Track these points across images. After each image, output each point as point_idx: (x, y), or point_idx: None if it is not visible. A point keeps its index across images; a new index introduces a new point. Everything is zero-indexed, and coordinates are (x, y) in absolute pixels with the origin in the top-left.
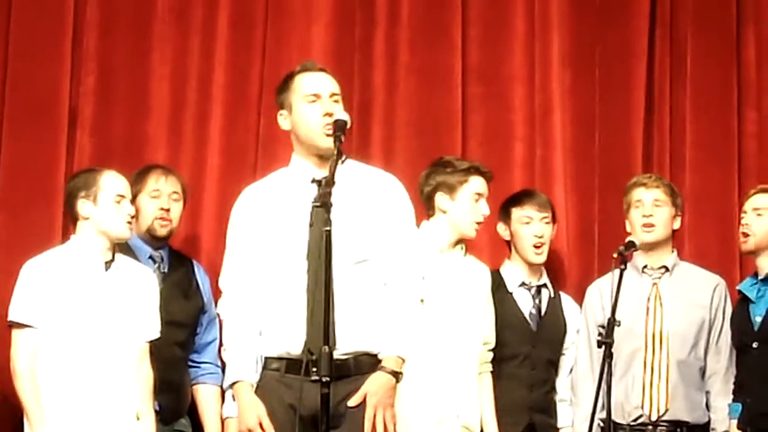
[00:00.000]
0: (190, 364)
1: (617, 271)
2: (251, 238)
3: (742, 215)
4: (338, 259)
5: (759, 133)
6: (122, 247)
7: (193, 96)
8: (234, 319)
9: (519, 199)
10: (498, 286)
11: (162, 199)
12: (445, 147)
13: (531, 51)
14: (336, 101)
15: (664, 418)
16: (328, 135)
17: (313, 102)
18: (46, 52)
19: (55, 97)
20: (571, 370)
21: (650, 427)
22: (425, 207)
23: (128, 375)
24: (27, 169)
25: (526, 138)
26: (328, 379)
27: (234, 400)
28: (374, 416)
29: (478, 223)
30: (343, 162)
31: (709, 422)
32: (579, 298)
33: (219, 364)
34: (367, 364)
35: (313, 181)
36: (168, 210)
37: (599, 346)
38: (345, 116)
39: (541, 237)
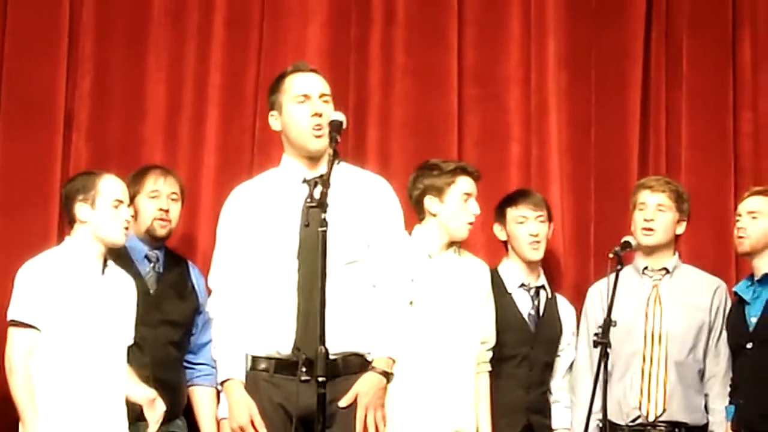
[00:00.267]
0: (186, 365)
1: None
2: (241, 238)
3: (737, 218)
4: (328, 259)
5: (755, 134)
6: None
7: (189, 97)
8: (224, 317)
9: (514, 199)
10: (496, 286)
11: (161, 199)
12: (441, 148)
13: (527, 52)
14: (326, 101)
15: (661, 419)
16: (317, 136)
17: (302, 102)
18: (42, 54)
19: (51, 99)
20: (566, 372)
21: (648, 427)
22: (415, 211)
23: (122, 377)
24: (23, 170)
25: (522, 139)
26: (324, 379)
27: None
28: (365, 416)
29: (469, 223)
30: (338, 162)
31: (707, 424)
32: (575, 299)
33: (215, 365)
34: (356, 364)
35: (304, 181)
36: (167, 210)
37: (595, 347)
38: (341, 117)
39: (536, 235)
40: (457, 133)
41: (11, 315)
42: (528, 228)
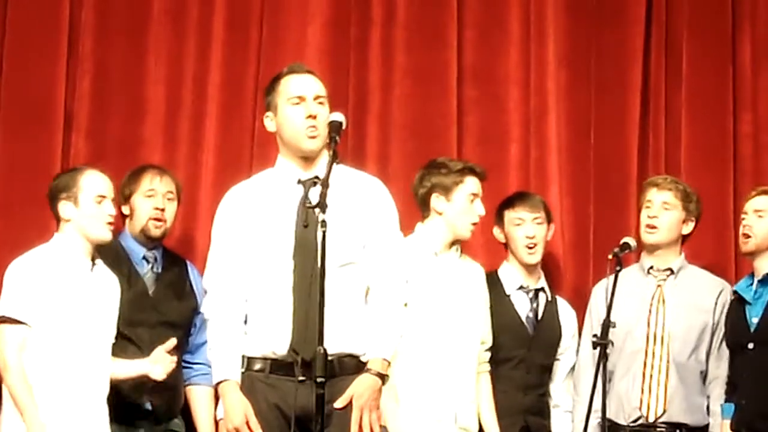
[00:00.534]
0: (184, 365)
1: (624, 270)
2: (236, 238)
3: (743, 216)
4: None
5: (754, 134)
6: (115, 247)
7: (189, 97)
8: (219, 318)
9: (511, 201)
10: (495, 288)
11: (157, 198)
12: (441, 148)
13: (526, 53)
14: (321, 103)
15: (661, 420)
16: (310, 137)
17: (297, 104)
18: (42, 53)
19: (51, 99)
20: (566, 376)
21: (649, 428)
22: (420, 209)
23: (106, 375)
24: (22, 170)
25: (521, 140)
26: (323, 379)
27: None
28: (360, 418)
29: (473, 224)
30: (338, 163)
31: (708, 426)
32: (574, 300)
33: None
34: (351, 365)
35: (299, 182)
36: (163, 210)
37: (594, 347)
38: (340, 117)
39: (533, 238)
40: (456, 134)
41: (1, 311)
42: (525, 230)
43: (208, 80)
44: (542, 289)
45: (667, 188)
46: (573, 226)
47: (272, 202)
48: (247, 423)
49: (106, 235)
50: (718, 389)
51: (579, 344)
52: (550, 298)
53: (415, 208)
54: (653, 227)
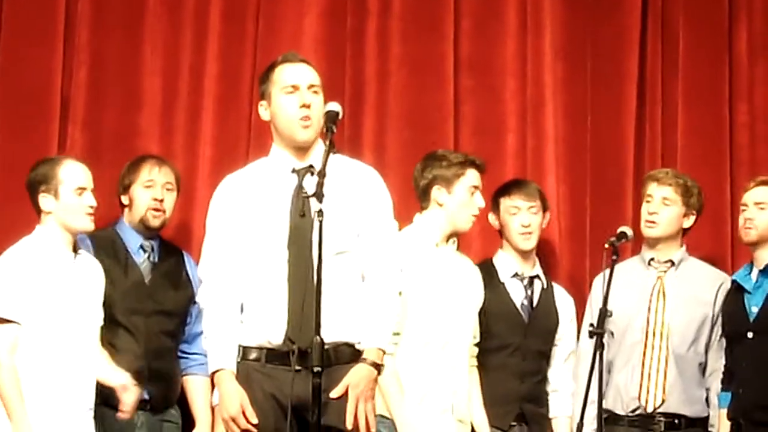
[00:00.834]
0: (180, 354)
1: (625, 262)
2: (231, 227)
3: (743, 208)
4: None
5: (751, 124)
6: (112, 237)
7: (185, 88)
8: (214, 307)
9: (507, 189)
10: (490, 276)
11: (155, 189)
12: (437, 138)
13: (523, 43)
14: (315, 92)
15: (660, 411)
16: (304, 127)
17: (291, 93)
18: (38, 44)
19: (47, 89)
20: (564, 361)
21: (647, 419)
22: (420, 200)
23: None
24: (19, 160)
25: (518, 130)
26: (320, 369)
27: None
28: (356, 408)
29: (474, 216)
30: (335, 152)
31: (707, 417)
32: (570, 289)
33: None
34: (346, 354)
35: (294, 171)
36: (161, 200)
37: (590, 337)
38: (337, 107)
39: (527, 226)
40: (453, 124)
41: None
42: (520, 219)
43: (205, 71)
44: (537, 276)
45: (667, 183)
46: (569, 214)
47: (266, 192)
48: (243, 412)
49: (88, 226)
50: (717, 381)
51: (578, 334)
52: (545, 285)
53: (410, 197)
54: (653, 222)
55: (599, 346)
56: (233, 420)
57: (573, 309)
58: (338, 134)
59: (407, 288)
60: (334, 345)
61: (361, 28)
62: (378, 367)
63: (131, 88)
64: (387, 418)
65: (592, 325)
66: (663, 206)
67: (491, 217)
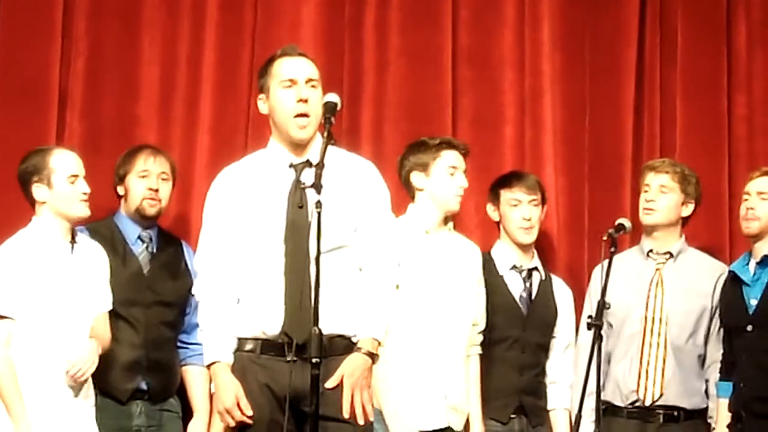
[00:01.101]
0: (179, 344)
1: (624, 253)
2: (228, 219)
3: (745, 197)
4: (315, 243)
5: (749, 117)
6: (110, 227)
7: (183, 77)
8: (210, 299)
9: (508, 181)
10: (488, 268)
11: (150, 179)
12: (435, 129)
13: (521, 34)
14: (313, 87)
15: (658, 403)
16: (300, 126)
17: (289, 87)
18: (36, 33)
19: (45, 79)
20: (562, 353)
21: (646, 411)
22: (407, 190)
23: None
24: (17, 150)
25: (516, 121)
26: (318, 360)
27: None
28: (351, 397)
29: (458, 195)
30: (333, 144)
31: (707, 409)
32: (569, 279)
33: None
34: (341, 345)
35: (291, 166)
36: (157, 190)
37: (588, 329)
38: (335, 98)
39: (529, 220)
40: (451, 115)
41: None
42: (521, 212)
43: (203, 61)
44: (536, 268)
45: (664, 171)
46: (567, 206)
47: (264, 185)
48: (238, 404)
49: (83, 212)
50: (717, 373)
51: (577, 326)
52: (544, 277)
53: (403, 190)
54: (651, 209)
55: (598, 338)
56: (228, 412)
57: (571, 301)
58: (336, 125)
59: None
60: (329, 336)
61: (360, 19)
62: (373, 356)
63: (129, 77)
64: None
65: (590, 316)
66: (660, 194)
67: (490, 208)
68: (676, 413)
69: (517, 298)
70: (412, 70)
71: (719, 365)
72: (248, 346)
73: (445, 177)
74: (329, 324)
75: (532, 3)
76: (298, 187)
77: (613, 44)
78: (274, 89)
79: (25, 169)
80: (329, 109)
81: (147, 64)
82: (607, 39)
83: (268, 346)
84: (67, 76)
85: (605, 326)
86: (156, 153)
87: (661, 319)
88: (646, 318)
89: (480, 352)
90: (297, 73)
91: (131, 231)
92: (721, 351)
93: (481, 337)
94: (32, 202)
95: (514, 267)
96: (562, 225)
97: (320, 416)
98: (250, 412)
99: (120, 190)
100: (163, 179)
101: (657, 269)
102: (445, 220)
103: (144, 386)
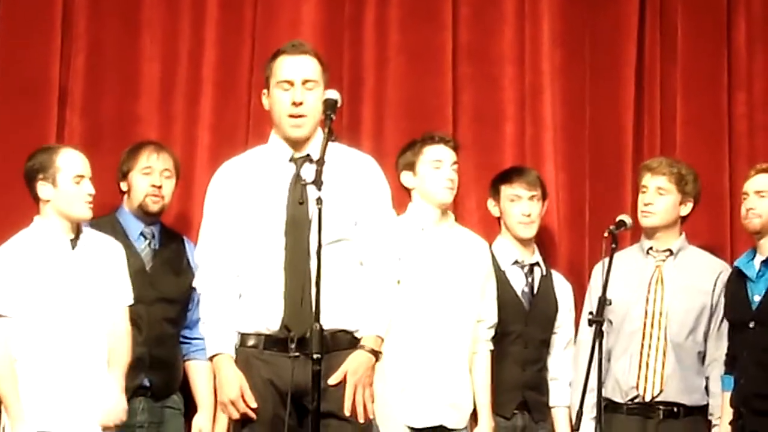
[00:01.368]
0: (182, 340)
1: (624, 251)
2: (228, 213)
3: (744, 196)
4: (316, 237)
5: (749, 114)
6: (113, 224)
7: (184, 75)
8: (211, 292)
9: (509, 176)
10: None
11: (153, 175)
12: (435, 126)
13: (521, 31)
14: (310, 89)
15: (658, 399)
16: (294, 126)
17: (286, 90)
18: (36, 31)
19: (45, 76)
20: (563, 349)
21: (646, 407)
22: (406, 192)
23: (104, 350)
24: (17, 148)
25: (516, 118)
26: (319, 356)
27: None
28: (354, 394)
29: (447, 188)
30: (333, 140)
31: (707, 406)
32: (569, 276)
33: None
34: (344, 340)
35: (291, 160)
36: (160, 187)
37: (590, 325)
38: (335, 95)
39: (528, 215)
40: (451, 112)
41: None
42: (521, 207)
43: (203, 58)
44: (537, 263)
45: (661, 173)
46: (568, 202)
47: (264, 179)
48: (242, 396)
49: (86, 214)
50: (717, 370)
51: (577, 322)
52: (545, 273)
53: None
54: (649, 212)
55: (599, 335)
56: (232, 403)
57: (572, 296)
58: (336, 122)
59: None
60: (331, 332)
61: (360, 16)
62: (376, 354)
63: (129, 75)
64: None
65: (591, 313)
66: (658, 196)
67: (490, 203)
68: (676, 409)
69: (519, 293)
70: (412, 67)
71: (722, 360)
72: (251, 342)
73: (430, 172)
74: (331, 319)
75: (532, 0)
76: (298, 183)
77: (613, 41)
78: (273, 88)
79: (32, 166)
80: (329, 105)
81: (147, 61)
82: (607, 36)
83: (270, 341)
84: (67, 73)
85: (605, 323)
86: (159, 149)
87: (661, 316)
88: (646, 315)
89: (491, 348)
90: (294, 75)
91: (134, 227)
92: (721, 348)
93: (491, 333)
94: (36, 200)
95: (515, 262)
96: (562, 221)
97: (322, 412)
98: (254, 404)
99: (123, 186)
100: (166, 176)
101: (657, 267)
102: (444, 216)
103: (146, 383)
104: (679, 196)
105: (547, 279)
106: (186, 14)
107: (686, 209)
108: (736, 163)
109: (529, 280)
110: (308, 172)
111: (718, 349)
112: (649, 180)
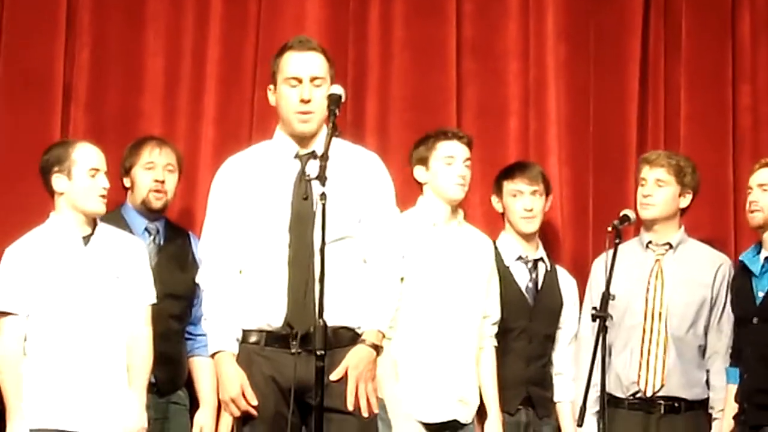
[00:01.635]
0: (187, 336)
1: (623, 245)
2: (232, 209)
3: (748, 191)
4: (319, 234)
5: (754, 107)
6: (117, 220)
7: (188, 70)
8: (214, 289)
9: (510, 171)
10: (494, 259)
11: (156, 171)
12: (440, 122)
13: (525, 25)
14: (317, 85)
15: (659, 394)
16: (302, 121)
17: (294, 86)
18: (40, 26)
19: (50, 71)
20: (568, 344)
21: (647, 402)
22: (418, 186)
23: (119, 347)
24: (22, 143)
25: (520, 113)
26: (323, 352)
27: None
28: (356, 389)
29: (458, 184)
30: (337, 135)
31: (708, 399)
32: (573, 271)
33: None
34: (346, 337)
35: (296, 156)
36: (163, 182)
37: (593, 320)
38: (339, 90)
39: (530, 210)
40: (455, 107)
41: None
42: (523, 202)
43: (207, 53)
44: (541, 258)
45: (659, 165)
46: (572, 197)
47: (269, 175)
48: (243, 394)
49: (100, 209)
50: (717, 363)
51: (580, 317)
52: (549, 268)
53: (413, 180)
54: (648, 204)
55: (602, 329)
56: (233, 401)
57: (576, 291)
58: (341, 117)
59: (406, 272)
60: (334, 328)
61: (364, 12)
62: (377, 348)
63: (133, 70)
64: (380, 399)
65: (594, 308)
66: (657, 188)
67: (494, 200)
68: (677, 404)
69: (523, 289)
70: (416, 62)
71: (723, 353)
72: (253, 338)
73: (442, 168)
74: (333, 315)
75: None
76: (302, 179)
77: (617, 35)
78: (280, 84)
79: (48, 159)
80: (333, 101)
81: (151, 56)
82: (611, 30)
83: (272, 338)
84: (72, 68)
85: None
86: (162, 144)
87: (661, 310)
88: (646, 309)
89: (495, 344)
90: (302, 71)
91: (138, 223)
92: (722, 341)
93: (495, 329)
94: (51, 193)
95: (519, 258)
96: (566, 216)
97: (325, 408)
98: (255, 402)
99: (126, 182)
100: (169, 171)
101: (657, 260)
102: (454, 212)
103: (152, 379)
104: (678, 187)
105: (551, 274)
106: (190, 9)
107: (685, 201)
108: (740, 156)
109: (533, 275)
110: (313, 168)
111: (719, 341)
112: (647, 172)
